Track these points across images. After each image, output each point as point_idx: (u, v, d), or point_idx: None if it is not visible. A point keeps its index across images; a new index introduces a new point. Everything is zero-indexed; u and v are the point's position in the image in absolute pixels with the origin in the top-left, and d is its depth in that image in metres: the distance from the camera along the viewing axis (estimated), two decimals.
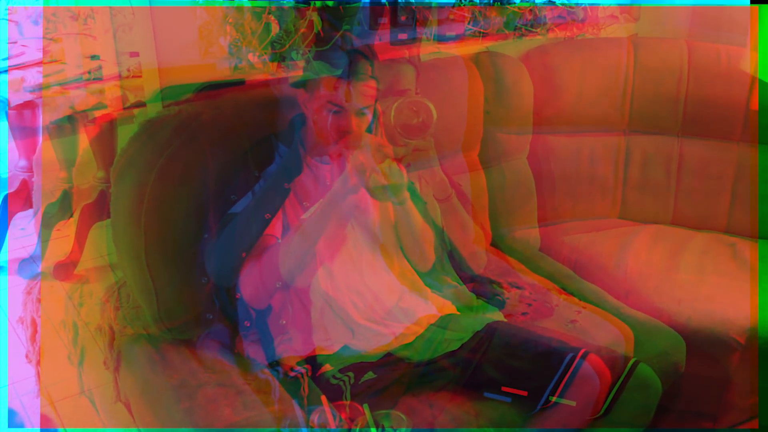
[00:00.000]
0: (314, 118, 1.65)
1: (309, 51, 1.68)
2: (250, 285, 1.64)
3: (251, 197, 1.64)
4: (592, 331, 1.85)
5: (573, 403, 1.56)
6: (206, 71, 1.99)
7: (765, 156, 2.37)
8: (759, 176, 2.37)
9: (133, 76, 2.15)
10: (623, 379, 1.65)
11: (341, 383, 1.59)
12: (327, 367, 1.63)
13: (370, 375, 1.61)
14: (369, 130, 1.65)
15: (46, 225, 2.74)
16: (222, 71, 1.99)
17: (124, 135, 1.73)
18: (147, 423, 1.64)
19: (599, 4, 2.62)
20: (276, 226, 1.64)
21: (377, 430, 1.39)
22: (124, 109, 2.24)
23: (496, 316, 1.82)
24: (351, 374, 1.60)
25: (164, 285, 1.69)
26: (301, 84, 1.67)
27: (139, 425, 1.69)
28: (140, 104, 2.13)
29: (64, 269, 2.62)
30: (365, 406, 1.42)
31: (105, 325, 1.79)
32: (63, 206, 2.68)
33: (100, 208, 2.39)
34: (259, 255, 1.61)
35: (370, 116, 1.63)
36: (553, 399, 1.57)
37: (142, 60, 1.98)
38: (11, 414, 2.22)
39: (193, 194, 1.69)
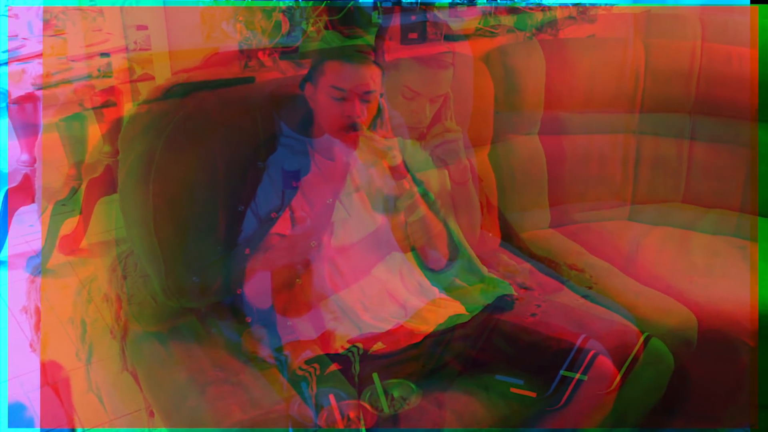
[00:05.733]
0: (320, 110, 1.65)
1: (320, 21, 1.66)
2: (252, 283, 1.63)
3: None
4: (603, 306, 1.86)
5: (584, 378, 1.56)
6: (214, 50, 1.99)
7: (765, 152, 2.39)
8: (759, 177, 2.39)
9: (140, 49, 2.12)
10: (636, 353, 1.64)
11: (350, 354, 1.58)
12: (335, 366, 1.62)
13: (379, 345, 1.60)
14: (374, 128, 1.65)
15: (55, 221, 2.74)
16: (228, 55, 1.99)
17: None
18: (155, 420, 1.64)
19: (612, 5, 2.61)
20: (282, 225, 1.64)
21: (386, 399, 1.37)
22: (132, 81, 2.21)
23: (507, 289, 1.81)
24: (359, 345, 1.60)
25: (172, 252, 1.66)
26: (308, 78, 1.67)
27: (146, 395, 1.67)
28: (147, 77, 2.10)
29: (69, 243, 2.59)
30: (374, 375, 1.40)
31: (112, 295, 1.76)
32: (72, 203, 2.68)
33: (105, 183, 2.36)
34: (263, 252, 1.61)
35: (375, 104, 1.63)
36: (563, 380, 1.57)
37: (151, 33, 1.97)
38: (19, 408, 2.22)
39: (203, 160, 1.66)
